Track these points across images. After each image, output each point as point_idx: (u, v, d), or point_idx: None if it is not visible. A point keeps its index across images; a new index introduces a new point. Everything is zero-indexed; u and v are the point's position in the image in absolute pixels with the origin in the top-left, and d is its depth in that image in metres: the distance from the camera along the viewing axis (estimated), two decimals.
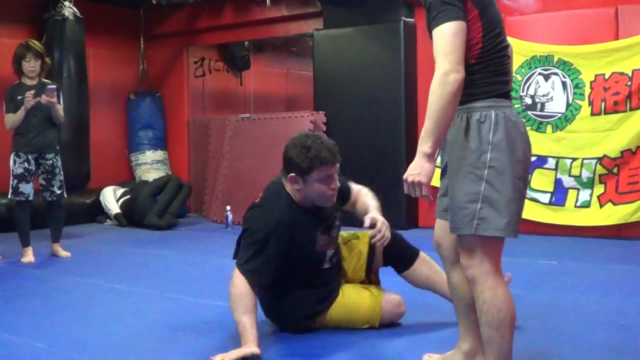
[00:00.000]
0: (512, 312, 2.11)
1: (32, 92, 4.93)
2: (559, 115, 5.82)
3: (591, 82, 5.70)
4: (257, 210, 2.91)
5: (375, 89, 6.59)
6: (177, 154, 8.52)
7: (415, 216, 6.48)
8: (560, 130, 5.81)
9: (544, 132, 5.86)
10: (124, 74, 8.44)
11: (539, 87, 5.92)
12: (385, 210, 6.78)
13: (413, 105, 6.47)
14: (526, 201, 6.20)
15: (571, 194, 5.77)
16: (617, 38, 5.66)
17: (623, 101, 5.56)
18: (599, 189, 5.66)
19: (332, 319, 3.02)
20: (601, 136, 5.64)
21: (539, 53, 5.89)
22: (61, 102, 5.18)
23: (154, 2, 7.79)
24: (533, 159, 5.74)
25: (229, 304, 2.76)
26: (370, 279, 3.20)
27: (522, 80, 5.96)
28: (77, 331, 3.17)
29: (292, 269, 2.92)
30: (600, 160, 5.63)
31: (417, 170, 2.00)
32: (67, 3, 6.96)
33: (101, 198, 7.47)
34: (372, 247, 3.15)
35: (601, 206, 5.64)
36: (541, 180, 5.87)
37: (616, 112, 5.59)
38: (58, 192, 5.20)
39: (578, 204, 5.73)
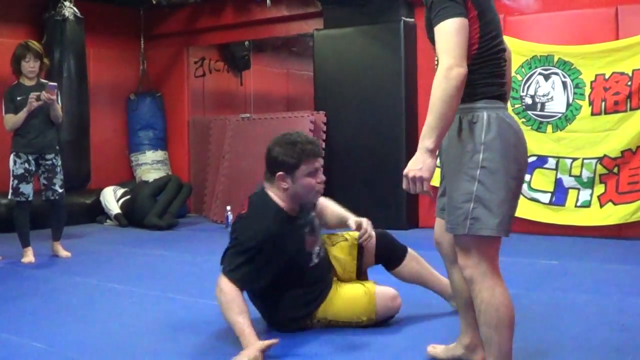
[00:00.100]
0: (510, 311, 2.11)
1: (37, 93, 4.93)
2: (559, 115, 5.82)
3: (591, 82, 5.70)
4: (246, 221, 2.90)
5: (376, 89, 6.59)
6: (178, 154, 8.53)
7: (415, 216, 6.49)
8: (561, 130, 5.81)
9: (544, 132, 5.86)
10: (124, 74, 8.44)
11: (539, 87, 5.92)
12: (385, 210, 6.81)
13: (413, 105, 6.48)
14: (526, 201, 6.24)
15: (571, 194, 5.77)
16: (617, 38, 5.66)
17: (623, 101, 5.56)
18: (599, 189, 5.66)
19: (328, 314, 3.02)
20: (601, 136, 5.64)
21: (539, 53, 5.89)
22: (59, 101, 5.18)
23: (154, 2, 7.79)
24: (533, 159, 5.86)
25: (221, 309, 2.75)
26: (361, 278, 3.24)
27: (522, 80, 5.96)
28: (77, 331, 3.17)
29: (283, 272, 2.92)
30: (600, 160, 5.62)
31: (419, 165, 1.98)
32: (67, 3, 6.97)
33: (101, 198, 7.47)
34: (360, 247, 3.21)
35: (601, 206, 5.63)
36: (541, 180, 5.87)
37: (616, 112, 5.59)
38: (60, 190, 5.20)
39: (578, 204, 5.73)
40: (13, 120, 5.01)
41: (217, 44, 9.06)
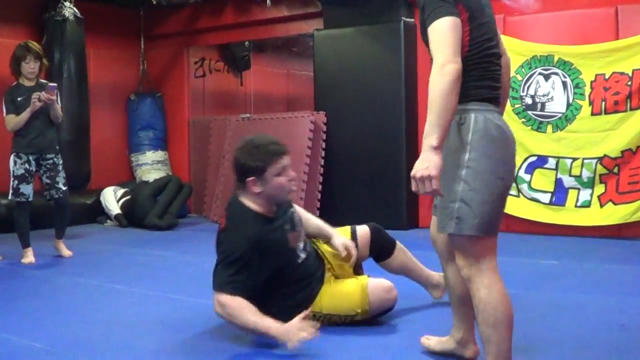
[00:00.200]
0: (508, 310, 2.12)
1: (40, 93, 4.92)
2: (559, 115, 5.82)
3: (591, 82, 5.69)
4: (228, 234, 2.91)
5: (376, 89, 6.59)
6: (178, 155, 8.53)
7: (415, 216, 6.48)
8: (561, 130, 5.81)
9: (544, 132, 5.86)
10: (125, 74, 8.44)
11: (539, 87, 5.92)
12: (385, 210, 6.81)
13: (413, 105, 6.48)
14: (526, 201, 6.24)
15: (571, 194, 5.77)
16: (617, 38, 5.66)
17: (623, 101, 5.56)
18: (599, 189, 5.66)
19: (323, 308, 3.03)
20: (601, 136, 5.64)
21: (539, 53, 5.89)
22: (59, 101, 5.18)
23: (155, 2, 7.79)
24: (533, 159, 5.87)
25: (231, 321, 2.77)
26: (357, 272, 3.29)
27: (522, 80, 5.96)
28: (78, 331, 3.17)
29: (273, 273, 2.93)
30: (600, 160, 5.62)
31: (425, 164, 1.98)
32: (67, 3, 6.97)
33: (101, 198, 7.47)
34: (355, 242, 3.27)
35: (601, 206, 5.63)
36: (541, 180, 5.87)
37: (616, 111, 5.59)
38: (64, 188, 5.21)
39: (578, 204, 5.73)
40: (15, 120, 5.01)
41: (217, 44, 9.06)
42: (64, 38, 6.94)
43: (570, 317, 3.24)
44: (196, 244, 6.06)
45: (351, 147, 6.75)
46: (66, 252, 5.31)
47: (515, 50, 5.95)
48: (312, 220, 3.32)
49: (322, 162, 6.80)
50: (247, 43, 9.45)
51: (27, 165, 5.06)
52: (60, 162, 5.21)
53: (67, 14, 6.94)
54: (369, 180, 6.59)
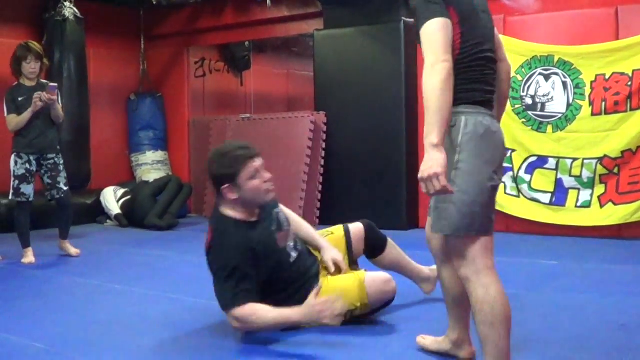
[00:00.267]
0: (506, 308, 2.12)
1: (41, 94, 4.93)
2: (560, 115, 5.82)
3: (591, 82, 5.69)
4: (216, 250, 2.91)
5: (376, 89, 6.60)
6: (178, 155, 8.53)
7: (415, 216, 6.48)
8: (561, 131, 5.81)
9: (545, 132, 5.86)
10: (125, 74, 8.44)
11: (539, 87, 5.91)
12: (385, 210, 6.82)
13: (414, 105, 6.47)
14: (526, 201, 6.24)
15: (572, 194, 5.77)
16: (617, 38, 5.66)
17: (623, 101, 5.56)
18: (599, 189, 5.66)
19: None
20: (602, 136, 5.63)
21: (540, 53, 5.89)
22: (60, 101, 5.18)
23: (155, 2, 7.79)
24: (533, 159, 5.87)
25: (258, 328, 2.82)
26: (353, 268, 3.31)
27: (522, 81, 5.96)
28: (78, 332, 3.17)
29: (268, 276, 2.93)
30: (600, 160, 5.62)
31: (429, 163, 1.98)
32: (67, 3, 6.97)
33: (102, 198, 7.48)
34: (349, 240, 3.30)
35: (602, 206, 5.63)
36: (542, 181, 5.87)
37: (616, 112, 5.59)
38: (65, 188, 5.21)
39: (579, 204, 5.73)
40: (16, 120, 5.01)
41: (218, 44, 9.07)
42: (64, 38, 6.95)
43: (570, 317, 3.24)
44: (196, 244, 6.01)
45: (351, 147, 6.75)
46: (73, 251, 5.32)
47: (516, 51, 5.95)
48: (302, 226, 3.30)
49: (322, 162, 6.80)
50: (247, 43, 9.46)
51: (28, 165, 5.06)
52: (62, 162, 5.21)
53: (67, 14, 6.94)
54: (369, 180, 6.59)
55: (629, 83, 5.52)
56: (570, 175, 5.75)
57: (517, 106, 5.96)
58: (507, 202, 6.02)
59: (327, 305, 2.69)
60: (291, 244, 3.06)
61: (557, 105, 5.83)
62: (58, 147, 5.23)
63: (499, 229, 5.98)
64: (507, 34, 6.03)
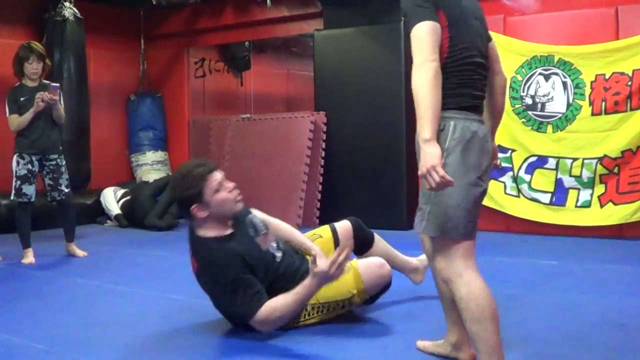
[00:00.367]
0: (491, 303, 2.16)
1: (43, 94, 4.92)
2: (560, 115, 5.82)
3: (592, 82, 5.69)
4: (208, 272, 2.94)
5: (376, 89, 6.60)
6: (178, 155, 8.52)
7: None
8: (561, 131, 5.81)
9: (545, 132, 5.86)
10: (125, 74, 8.44)
11: (539, 87, 5.91)
12: (385, 210, 6.83)
13: (413, 105, 6.46)
14: (526, 201, 6.24)
15: (572, 194, 5.77)
16: (617, 38, 5.66)
17: (623, 101, 5.56)
18: (599, 189, 5.66)
19: (319, 297, 3.03)
20: (602, 136, 5.63)
21: (540, 53, 5.89)
22: (62, 102, 5.18)
23: (155, 2, 7.79)
24: (533, 159, 5.87)
25: (281, 321, 2.85)
26: None
27: (522, 81, 5.96)
28: (78, 332, 3.17)
29: (261, 280, 2.93)
30: (600, 160, 5.62)
31: (425, 158, 2.04)
32: (67, 4, 6.97)
33: (101, 199, 7.47)
34: (337, 242, 3.33)
35: (602, 206, 5.63)
36: (542, 181, 5.87)
37: (617, 112, 5.59)
38: (66, 190, 5.21)
39: (579, 204, 5.73)
40: (18, 121, 5.01)
41: (218, 44, 9.06)
42: (64, 38, 6.94)
43: (570, 317, 3.24)
44: None
45: (351, 148, 6.75)
46: (80, 253, 5.32)
47: (516, 51, 5.96)
48: (292, 233, 3.32)
49: (322, 162, 6.80)
50: (247, 43, 9.45)
51: (29, 166, 5.06)
52: (64, 163, 5.22)
53: (67, 14, 6.94)
54: (369, 181, 6.59)
55: (629, 83, 5.52)
56: (570, 175, 5.75)
57: (517, 106, 5.96)
58: (507, 202, 6.02)
59: (333, 265, 2.71)
60: (274, 244, 3.08)
61: (557, 105, 5.83)
62: (60, 148, 5.23)
63: (499, 229, 6.05)
64: (507, 34, 6.04)
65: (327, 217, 6.34)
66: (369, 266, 3.10)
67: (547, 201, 5.85)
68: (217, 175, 2.95)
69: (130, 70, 8.53)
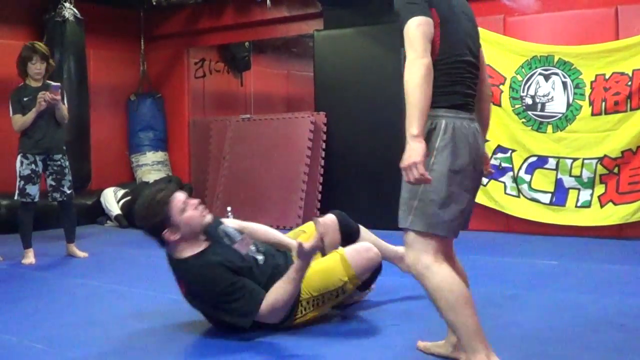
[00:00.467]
0: (462, 288, 2.21)
1: (45, 93, 4.93)
2: (560, 115, 5.82)
3: (591, 82, 5.69)
4: (199, 290, 2.94)
5: (376, 89, 6.60)
6: (178, 155, 8.53)
7: None
8: (561, 131, 5.80)
9: (545, 132, 5.86)
10: (125, 75, 8.45)
11: (539, 87, 5.91)
12: (385, 211, 6.79)
13: None
14: (527, 201, 6.24)
15: (572, 194, 5.77)
16: (617, 38, 5.66)
17: (623, 101, 5.56)
18: (599, 189, 5.65)
19: (312, 290, 3.04)
20: (602, 136, 5.63)
21: (540, 53, 5.89)
22: (65, 102, 5.19)
23: (155, 3, 7.79)
24: (534, 159, 5.87)
25: (287, 306, 2.89)
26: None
27: (522, 81, 5.96)
28: (78, 332, 3.17)
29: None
30: (600, 160, 5.62)
31: (409, 153, 2.10)
32: (67, 4, 6.96)
33: (102, 199, 7.48)
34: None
35: (602, 206, 5.63)
36: (542, 181, 5.87)
37: (617, 112, 5.59)
38: (68, 191, 5.22)
39: (579, 204, 5.73)
40: (21, 121, 5.02)
41: (218, 44, 9.06)
42: (64, 39, 6.94)
43: (570, 317, 3.23)
44: None
45: (351, 148, 6.75)
46: (80, 254, 5.32)
47: (515, 51, 5.96)
48: (267, 232, 3.33)
49: (322, 162, 6.80)
50: (247, 44, 9.45)
51: (33, 166, 5.07)
52: (67, 164, 5.23)
53: (67, 15, 6.94)
54: (369, 181, 6.59)
55: (629, 83, 5.52)
56: (571, 175, 5.75)
57: (517, 106, 5.96)
58: (507, 202, 6.02)
59: (316, 242, 2.79)
60: (253, 248, 3.08)
61: (557, 105, 5.83)
62: (64, 148, 5.23)
63: (499, 229, 6.05)
64: (507, 34, 6.04)
65: None
66: (356, 251, 3.13)
67: (547, 201, 5.85)
68: (180, 195, 2.97)
69: (131, 70, 8.53)
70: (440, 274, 2.20)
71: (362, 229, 3.50)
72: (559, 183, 5.80)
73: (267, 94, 10.40)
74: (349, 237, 3.41)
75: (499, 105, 6.01)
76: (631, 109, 5.53)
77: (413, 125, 2.10)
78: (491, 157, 6.08)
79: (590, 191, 5.69)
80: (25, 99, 5.03)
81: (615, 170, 5.59)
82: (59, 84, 5.12)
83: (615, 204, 5.58)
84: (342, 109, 6.81)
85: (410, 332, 2.95)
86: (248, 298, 2.83)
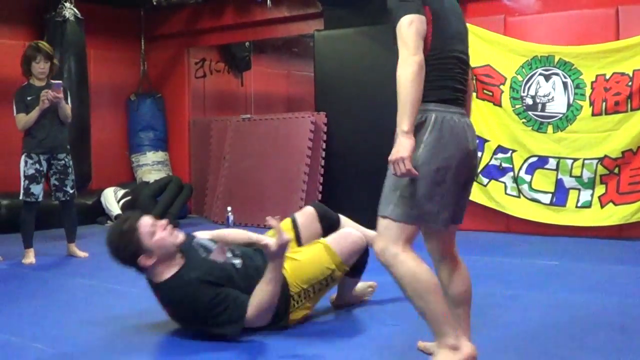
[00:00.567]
0: (432, 277, 2.26)
1: (48, 91, 4.93)
2: (560, 115, 5.82)
3: (592, 83, 5.69)
4: (184, 307, 2.92)
5: (376, 89, 6.59)
6: (178, 155, 8.53)
7: None
8: (561, 131, 5.80)
9: (545, 133, 5.86)
10: (125, 74, 8.44)
11: (539, 87, 5.91)
12: None
13: None
14: (527, 201, 6.25)
15: (572, 195, 5.77)
16: (617, 38, 5.66)
17: (624, 101, 5.56)
18: (600, 190, 5.65)
19: (301, 283, 3.05)
20: (602, 136, 5.63)
21: (540, 53, 5.89)
22: (69, 102, 5.19)
23: (155, 3, 7.79)
24: (534, 159, 5.87)
25: (272, 307, 2.87)
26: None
27: (522, 81, 5.96)
28: (78, 332, 3.18)
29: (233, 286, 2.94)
30: (601, 160, 5.62)
31: (398, 148, 2.15)
32: (67, 4, 6.96)
33: (102, 199, 7.48)
34: (296, 227, 3.36)
35: (602, 206, 5.63)
36: (542, 181, 5.87)
37: (617, 112, 5.59)
38: (71, 191, 5.22)
39: (579, 205, 5.73)
40: (25, 119, 5.02)
41: (218, 44, 9.06)
42: (65, 39, 6.94)
43: (571, 317, 3.23)
44: None
45: (352, 148, 6.75)
46: (81, 254, 5.32)
47: (516, 51, 5.96)
48: (236, 235, 3.33)
49: (323, 162, 6.80)
50: (247, 44, 9.45)
51: (37, 166, 5.07)
52: (71, 163, 5.23)
53: (67, 15, 6.94)
54: (370, 181, 6.53)
55: (630, 83, 5.52)
56: (571, 176, 5.75)
57: (517, 106, 5.96)
58: (507, 203, 6.02)
59: (279, 239, 2.79)
60: (229, 254, 3.06)
61: (558, 106, 5.83)
62: (68, 147, 5.24)
63: (499, 229, 6.05)
64: (507, 34, 6.04)
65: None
66: (338, 237, 3.17)
67: (548, 201, 5.85)
68: (146, 220, 2.97)
69: (131, 70, 8.53)
70: (407, 263, 2.23)
71: (343, 218, 3.50)
72: (559, 183, 5.80)
73: (268, 94, 10.40)
74: (329, 227, 3.41)
75: (500, 105, 6.01)
76: (631, 109, 5.53)
77: (405, 121, 2.14)
78: (491, 157, 6.08)
79: (590, 191, 5.69)
80: (29, 98, 5.03)
81: (616, 170, 5.59)
82: (60, 81, 5.12)
83: (615, 204, 5.58)
84: (343, 109, 6.80)
85: (410, 332, 2.95)
86: (233, 307, 2.83)
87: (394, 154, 2.17)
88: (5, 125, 5.13)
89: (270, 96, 10.51)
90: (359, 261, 3.23)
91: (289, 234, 3.28)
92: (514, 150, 5.97)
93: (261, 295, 2.83)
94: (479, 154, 6.06)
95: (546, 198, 5.86)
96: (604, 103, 5.63)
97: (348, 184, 6.72)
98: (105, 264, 5.11)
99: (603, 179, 5.64)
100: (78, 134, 7.03)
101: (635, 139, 5.51)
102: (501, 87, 6.00)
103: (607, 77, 5.63)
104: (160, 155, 8.37)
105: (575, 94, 5.75)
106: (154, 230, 2.93)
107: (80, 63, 7.10)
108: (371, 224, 3.62)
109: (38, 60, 5.08)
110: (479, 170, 6.08)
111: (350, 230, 3.25)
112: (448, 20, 2.32)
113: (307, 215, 3.44)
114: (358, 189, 6.64)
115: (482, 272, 3.98)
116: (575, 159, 5.72)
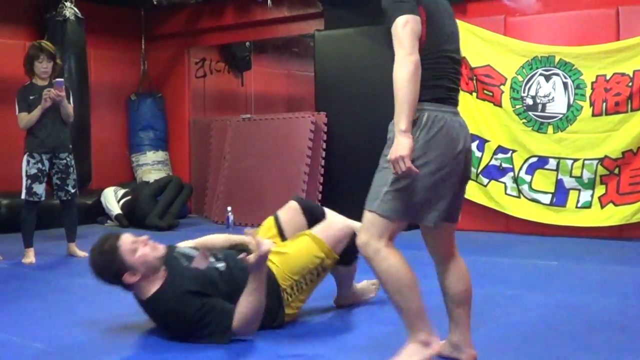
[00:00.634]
0: (409, 273, 2.29)
1: (50, 90, 4.93)
2: (560, 116, 5.82)
3: (592, 83, 5.69)
4: (174, 323, 2.92)
5: (377, 89, 6.57)
6: (178, 155, 8.53)
7: None
8: (561, 131, 5.81)
9: (545, 133, 5.86)
10: (125, 74, 8.45)
11: (540, 87, 5.91)
12: None
13: None
14: (527, 202, 6.25)
15: (572, 195, 5.77)
16: (618, 39, 5.66)
17: (624, 102, 5.56)
18: (600, 190, 5.65)
19: (293, 275, 3.05)
20: (602, 137, 5.63)
21: (540, 54, 5.89)
22: (71, 101, 5.19)
23: (155, 2, 7.79)
24: (534, 159, 5.87)
25: (258, 320, 2.86)
26: None
27: (523, 81, 5.96)
28: (78, 332, 3.17)
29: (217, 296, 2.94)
30: (601, 161, 5.62)
31: (397, 147, 2.17)
32: (68, 4, 6.97)
33: (102, 199, 7.48)
34: (278, 223, 3.35)
35: (602, 207, 5.63)
36: (542, 181, 5.87)
37: (617, 112, 5.59)
38: (72, 191, 5.23)
39: (579, 205, 5.73)
40: (27, 118, 5.02)
41: (218, 44, 9.06)
42: (65, 38, 6.94)
43: (570, 317, 3.24)
44: None
45: (352, 148, 6.75)
46: (81, 254, 5.31)
47: (516, 51, 5.96)
48: (216, 239, 3.34)
49: (323, 162, 6.80)
50: (247, 43, 9.45)
51: (40, 165, 5.07)
52: (73, 163, 5.23)
53: (67, 14, 6.94)
54: (370, 181, 6.56)
55: (630, 84, 5.52)
56: (571, 176, 5.75)
57: (517, 107, 5.97)
58: (507, 203, 6.02)
59: (260, 252, 2.77)
60: (212, 259, 3.06)
61: (558, 106, 5.83)
62: (70, 147, 5.24)
63: (499, 229, 6.05)
64: (507, 35, 6.04)
65: None
66: (323, 226, 3.17)
67: (548, 202, 5.85)
68: (127, 237, 2.96)
69: (131, 70, 8.53)
70: (388, 259, 2.27)
71: (327, 210, 3.49)
72: (559, 184, 5.80)
73: (268, 94, 10.40)
74: (314, 219, 3.38)
75: (500, 105, 6.01)
76: (632, 110, 5.53)
77: (402, 120, 2.17)
78: (492, 157, 6.08)
79: (590, 192, 5.69)
80: (31, 98, 5.03)
81: (616, 171, 5.59)
82: (62, 79, 5.12)
83: (615, 204, 5.58)
84: (343, 109, 6.80)
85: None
86: (219, 318, 2.83)
87: (393, 153, 2.17)
88: (5, 125, 5.12)
89: (271, 96, 10.51)
90: (348, 248, 3.18)
91: (272, 231, 3.32)
92: (514, 151, 5.97)
93: (246, 306, 2.82)
94: (480, 154, 6.06)
95: (546, 198, 5.86)
96: (604, 103, 5.63)
97: (348, 184, 6.71)
98: None
99: (603, 179, 5.64)
100: (78, 133, 7.02)
101: (635, 140, 5.51)
102: (501, 87, 6.01)
103: (608, 77, 5.63)
104: (160, 155, 8.37)
105: (576, 94, 5.75)
106: (136, 247, 2.92)
107: (80, 63, 7.10)
108: None
109: (41, 59, 5.08)
110: (479, 170, 6.08)
111: (334, 219, 3.25)
112: (441, 20, 2.34)
113: (290, 210, 3.43)
114: (358, 189, 6.59)
115: (482, 273, 3.98)
116: (575, 160, 5.72)
